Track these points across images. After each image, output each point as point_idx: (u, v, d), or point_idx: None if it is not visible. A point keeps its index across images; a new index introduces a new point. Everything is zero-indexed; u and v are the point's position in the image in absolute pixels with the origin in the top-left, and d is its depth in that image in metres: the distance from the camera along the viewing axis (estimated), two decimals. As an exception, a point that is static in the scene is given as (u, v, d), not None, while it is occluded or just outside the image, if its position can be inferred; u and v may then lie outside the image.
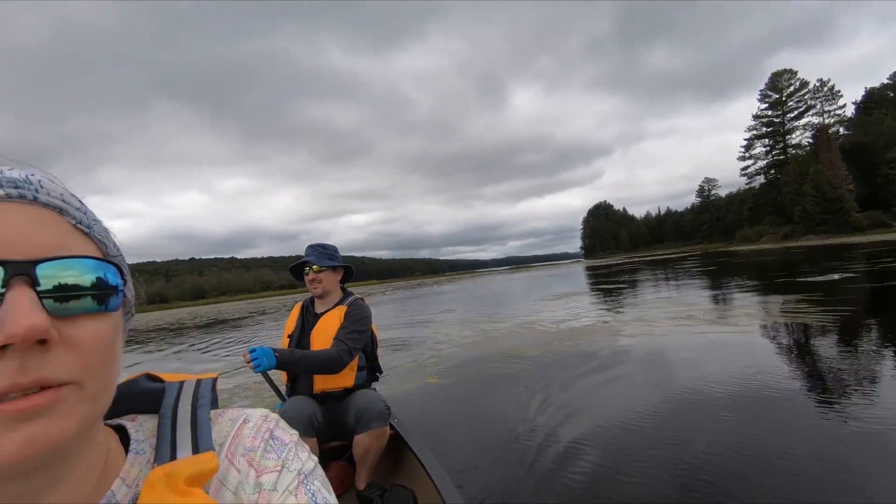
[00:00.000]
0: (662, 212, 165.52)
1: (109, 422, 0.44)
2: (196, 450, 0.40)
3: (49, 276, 0.31)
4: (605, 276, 27.26)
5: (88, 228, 0.36)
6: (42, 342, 0.29)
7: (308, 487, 0.42)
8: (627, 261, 61.72)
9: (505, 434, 3.49)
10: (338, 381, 2.34)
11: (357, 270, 2.33)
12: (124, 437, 0.42)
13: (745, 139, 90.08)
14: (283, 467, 0.43)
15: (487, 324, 10.34)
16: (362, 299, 2.54)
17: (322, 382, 2.33)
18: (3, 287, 0.29)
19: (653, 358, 5.37)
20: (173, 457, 0.39)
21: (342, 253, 2.59)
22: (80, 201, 0.37)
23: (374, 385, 2.61)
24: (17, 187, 0.32)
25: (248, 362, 2.04)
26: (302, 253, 2.52)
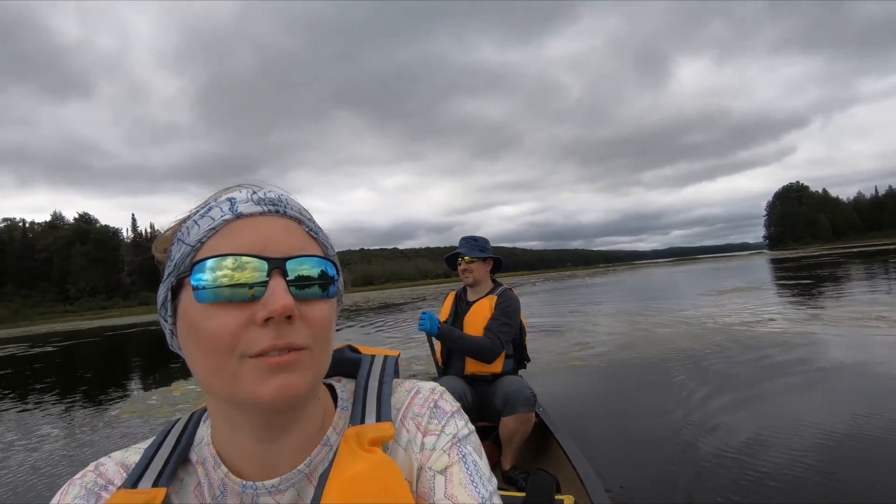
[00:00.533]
0: (881, 192, 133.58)
1: (324, 381, 0.55)
2: (379, 418, 0.50)
3: (293, 269, 0.42)
4: (792, 270, 23.59)
5: (316, 234, 0.48)
6: (289, 318, 0.40)
7: (460, 449, 0.50)
8: (825, 252, 51.54)
9: (652, 429, 3.41)
10: (487, 367, 2.48)
11: (507, 261, 2.60)
12: (333, 393, 0.54)
13: None
14: (441, 431, 0.51)
15: (639, 316, 10.16)
16: (511, 289, 2.64)
17: (472, 366, 2.49)
18: (267, 276, 0.41)
19: (824, 363, 4.94)
20: (362, 421, 0.49)
21: (492, 244, 2.71)
22: (310, 213, 0.49)
23: (520, 372, 2.70)
24: (273, 204, 0.45)
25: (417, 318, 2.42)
26: (455, 244, 2.68)
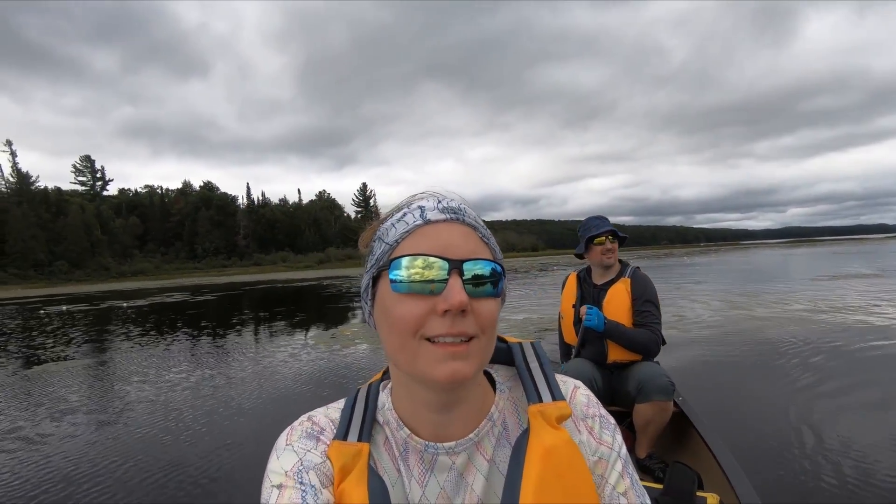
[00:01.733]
0: None
1: None
2: (554, 397, 0.58)
3: (469, 269, 0.50)
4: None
5: (487, 240, 0.56)
6: (462, 311, 0.49)
7: (629, 470, 0.58)
8: None
9: (771, 419, 3.26)
10: (628, 353, 2.33)
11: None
12: (489, 379, 0.64)
13: None
14: (612, 446, 0.58)
15: (738, 297, 10.30)
16: (639, 268, 2.51)
17: (616, 353, 2.35)
18: (447, 275, 0.49)
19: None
20: (539, 399, 0.57)
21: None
22: (483, 222, 0.58)
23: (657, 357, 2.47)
24: (454, 213, 0.54)
25: (583, 315, 2.31)
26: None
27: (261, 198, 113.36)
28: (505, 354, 0.65)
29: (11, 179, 75.41)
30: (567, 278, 2.67)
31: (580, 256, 2.58)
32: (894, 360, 4.72)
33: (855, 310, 7.72)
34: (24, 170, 78.08)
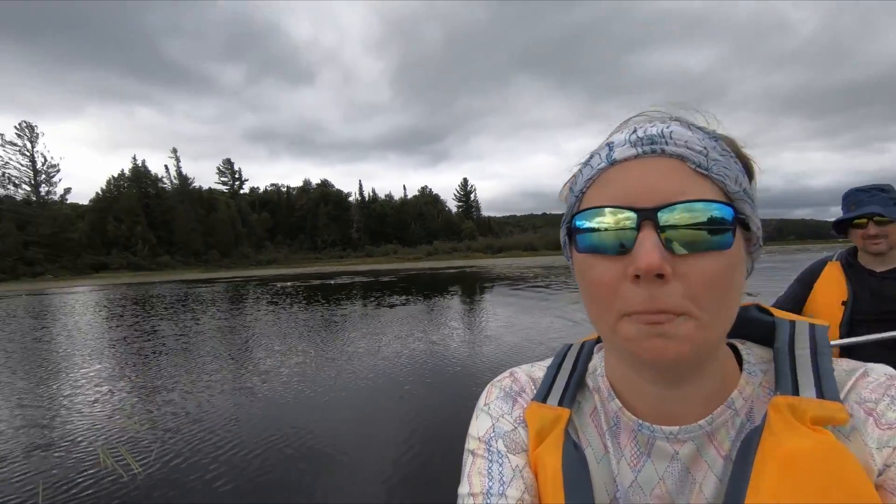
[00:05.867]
0: None
1: (727, 340, 0.48)
2: (821, 395, 0.40)
3: (667, 219, 0.37)
4: None
5: (707, 170, 0.39)
6: (661, 276, 0.36)
7: None
8: None
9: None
10: None
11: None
12: (737, 356, 0.47)
13: None
14: None
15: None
16: None
17: None
18: (637, 229, 0.37)
19: None
20: (795, 393, 0.40)
21: None
22: (708, 141, 0.40)
23: None
24: (651, 143, 0.39)
25: None
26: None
27: (371, 194, 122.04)
28: (765, 331, 0.48)
29: (175, 182, 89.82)
30: (823, 267, 2.01)
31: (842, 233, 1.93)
32: None
33: None
34: (183, 172, 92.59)
